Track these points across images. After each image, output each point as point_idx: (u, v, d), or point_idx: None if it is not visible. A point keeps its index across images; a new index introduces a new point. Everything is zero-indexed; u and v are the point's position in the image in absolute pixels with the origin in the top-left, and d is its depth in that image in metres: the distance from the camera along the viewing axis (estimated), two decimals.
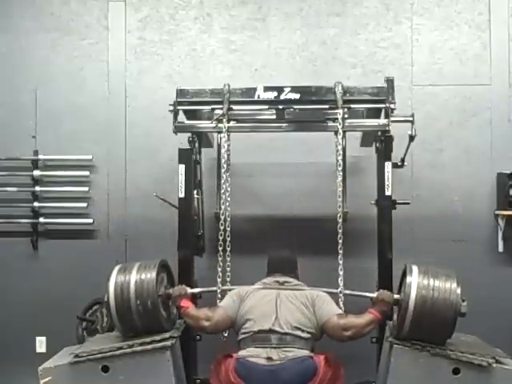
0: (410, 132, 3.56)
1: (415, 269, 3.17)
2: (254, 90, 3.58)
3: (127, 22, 4.51)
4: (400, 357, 3.11)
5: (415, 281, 3.11)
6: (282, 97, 3.56)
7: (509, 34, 4.33)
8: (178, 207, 3.67)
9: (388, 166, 3.54)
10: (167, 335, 3.21)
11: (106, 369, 3.15)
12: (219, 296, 3.40)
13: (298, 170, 4.21)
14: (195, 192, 3.81)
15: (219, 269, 3.48)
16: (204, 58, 4.47)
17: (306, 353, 3.06)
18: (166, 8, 4.50)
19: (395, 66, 4.36)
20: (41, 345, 4.41)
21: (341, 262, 3.38)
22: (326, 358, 3.08)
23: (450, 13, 4.38)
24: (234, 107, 3.62)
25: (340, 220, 3.43)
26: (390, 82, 3.58)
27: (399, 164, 3.70)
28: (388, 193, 3.54)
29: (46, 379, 3.19)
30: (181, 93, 3.67)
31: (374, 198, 3.62)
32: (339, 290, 3.33)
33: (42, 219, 4.45)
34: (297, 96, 3.56)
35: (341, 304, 3.30)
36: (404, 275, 3.22)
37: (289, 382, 2.96)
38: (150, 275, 3.27)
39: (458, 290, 3.11)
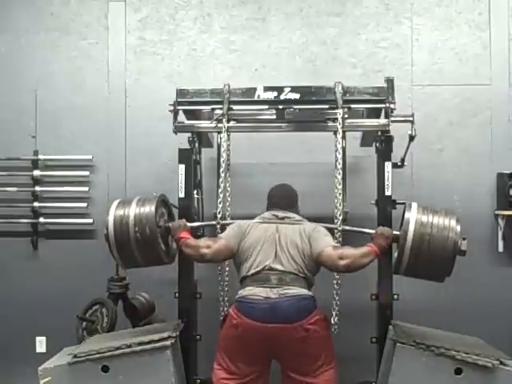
0: (410, 132, 3.56)
1: (414, 205, 3.21)
2: (254, 89, 3.58)
3: (127, 22, 4.51)
4: (402, 356, 3.12)
5: (414, 216, 3.14)
6: (282, 97, 3.56)
7: (509, 33, 4.33)
8: (178, 207, 3.67)
9: (388, 166, 3.54)
10: (166, 335, 3.21)
11: (105, 369, 3.15)
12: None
13: (298, 170, 4.21)
14: (195, 192, 3.81)
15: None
16: (204, 58, 4.48)
17: (306, 291, 3.08)
18: (166, 8, 4.50)
19: (395, 66, 4.36)
20: (41, 345, 4.42)
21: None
22: (326, 316, 3.13)
23: (450, 13, 4.38)
24: (234, 107, 3.61)
25: (340, 219, 3.43)
26: (390, 81, 3.58)
27: (399, 164, 3.69)
28: (388, 193, 3.53)
29: (46, 379, 3.20)
30: (181, 93, 3.67)
31: (373, 197, 3.62)
32: (338, 225, 3.35)
33: (42, 219, 4.45)
34: (297, 96, 3.56)
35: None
36: (404, 212, 3.24)
37: (287, 313, 2.96)
38: (150, 208, 3.33)
39: (458, 228, 3.14)
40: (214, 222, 3.48)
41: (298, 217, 3.34)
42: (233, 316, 3.05)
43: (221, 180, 3.54)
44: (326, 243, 3.13)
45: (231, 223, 3.38)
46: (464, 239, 3.14)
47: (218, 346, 3.15)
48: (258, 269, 3.10)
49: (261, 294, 3.01)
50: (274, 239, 3.15)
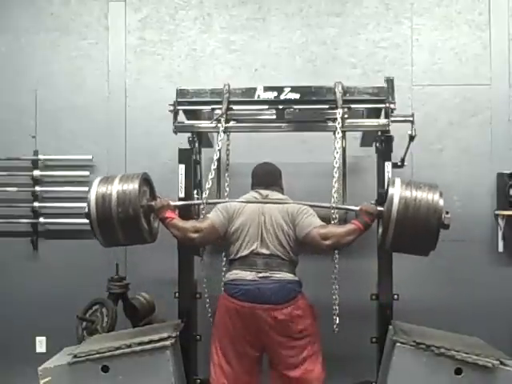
0: (410, 132, 3.56)
1: (398, 180, 3.23)
2: (254, 89, 3.58)
3: (127, 22, 4.51)
4: (402, 356, 3.12)
5: (397, 192, 3.16)
6: (282, 97, 3.56)
7: (509, 33, 4.33)
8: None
9: (388, 166, 3.55)
10: (166, 335, 3.21)
11: (105, 369, 3.15)
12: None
13: (298, 170, 4.21)
14: (195, 192, 3.81)
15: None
16: (204, 57, 4.48)
17: (291, 276, 3.19)
18: (166, 8, 4.51)
19: (395, 66, 4.36)
20: (41, 345, 4.42)
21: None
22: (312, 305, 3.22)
23: (450, 13, 4.38)
24: (234, 107, 3.62)
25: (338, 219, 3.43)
26: (390, 81, 3.58)
27: (399, 164, 3.69)
28: None
29: (46, 379, 3.20)
30: (181, 93, 3.67)
31: (373, 198, 3.61)
32: (330, 204, 3.34)
33: (41, 219, 4.45)
34: (297, 96, 3.57)
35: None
36: (388, 188, 3.25)
37: (272, 296, 3.07)
38: (133, 186, 3.29)
39: (441, 201, 3.15)
40: (199, 202, 3.47)
41: (280, 195, 3.40)
42: (222, 300, 3.16)
43: (211, 176, 3.45)
44: (309, 224, 3.20)
45: (217, 202, 3.41)
46: (447, 213, 3.15)
47: (212, 338, 3.24)
48: (245, 253, 3.19)
49: (247, 277, 3.13)
50: (259, 222, 3.22)
